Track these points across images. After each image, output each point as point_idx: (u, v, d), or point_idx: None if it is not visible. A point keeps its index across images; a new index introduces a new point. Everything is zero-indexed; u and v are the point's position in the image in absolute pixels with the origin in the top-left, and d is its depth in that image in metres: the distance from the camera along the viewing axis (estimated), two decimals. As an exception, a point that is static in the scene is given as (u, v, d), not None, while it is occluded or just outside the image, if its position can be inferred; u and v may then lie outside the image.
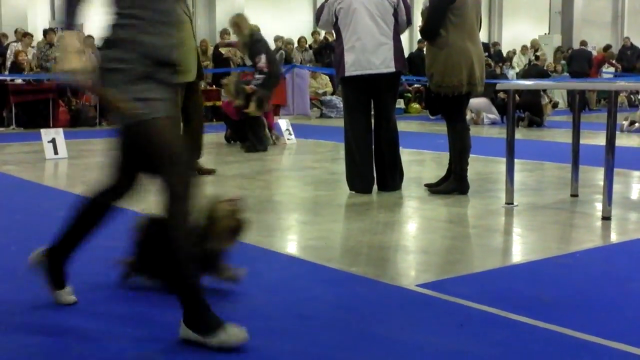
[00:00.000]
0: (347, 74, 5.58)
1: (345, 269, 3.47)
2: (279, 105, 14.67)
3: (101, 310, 2.87)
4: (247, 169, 7.24)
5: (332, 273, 3.43)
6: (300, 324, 2.72)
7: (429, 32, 5.48)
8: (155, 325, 2.69)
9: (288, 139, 9.98)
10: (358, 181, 5.70)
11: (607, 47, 19.49)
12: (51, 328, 2.68)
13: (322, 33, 16.57)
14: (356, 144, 5.68)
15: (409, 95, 17.34)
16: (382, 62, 5.55)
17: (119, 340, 2.54)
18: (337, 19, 5.66)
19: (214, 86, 14.46)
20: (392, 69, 5.59)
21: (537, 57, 16.36)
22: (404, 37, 6.23)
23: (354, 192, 5.68)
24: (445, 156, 5.97)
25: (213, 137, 10.27)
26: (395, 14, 5.66)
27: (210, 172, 6.71)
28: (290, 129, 10.09)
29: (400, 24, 5.72)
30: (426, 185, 5.81)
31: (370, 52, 5.53)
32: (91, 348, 2.47)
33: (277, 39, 17.22)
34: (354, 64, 5.54)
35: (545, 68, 15.75)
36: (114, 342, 2.52)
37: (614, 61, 19.29)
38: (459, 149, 5.55)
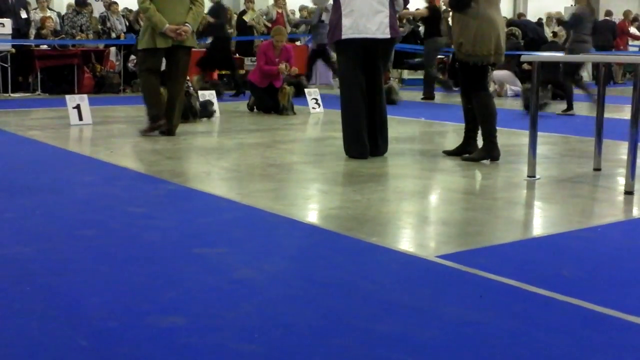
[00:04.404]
0: (343, 36, 5.74)
1: (365, 238, 3.50)
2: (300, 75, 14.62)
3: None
4: (268, 138, 7.26)
5: (352, 242, 3.46)
6: (320, 292, 2.75)
7: (462, 3, 5.53)
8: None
9: (313, 108, 10.00)
10: (355, 147, 5.84)
11: (628, 13, 19.15)
12: (72, 287, 2.74)
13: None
14: (353, 110, 5.81)
15: (433, 65, 17.18)
16: (378, 29, 5.73)
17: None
18: None
19: (237, 54, 14.47)
20: (388, 36, 5.79)
21: (554, 34, 15.90)
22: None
23: (351, 157, 5.81)
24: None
25: (236, 105, 10.26)
26: None
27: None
28: (319, 98, 10.14)
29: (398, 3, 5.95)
30: (444, 152, 6.02)
31: (366, 18, 5.71)
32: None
33: (302, 8, 17.14)
34: (351, 27, 5.71)
35: (561, 43, 15.35)
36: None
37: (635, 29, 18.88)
38: (486, 116, 5.64)
